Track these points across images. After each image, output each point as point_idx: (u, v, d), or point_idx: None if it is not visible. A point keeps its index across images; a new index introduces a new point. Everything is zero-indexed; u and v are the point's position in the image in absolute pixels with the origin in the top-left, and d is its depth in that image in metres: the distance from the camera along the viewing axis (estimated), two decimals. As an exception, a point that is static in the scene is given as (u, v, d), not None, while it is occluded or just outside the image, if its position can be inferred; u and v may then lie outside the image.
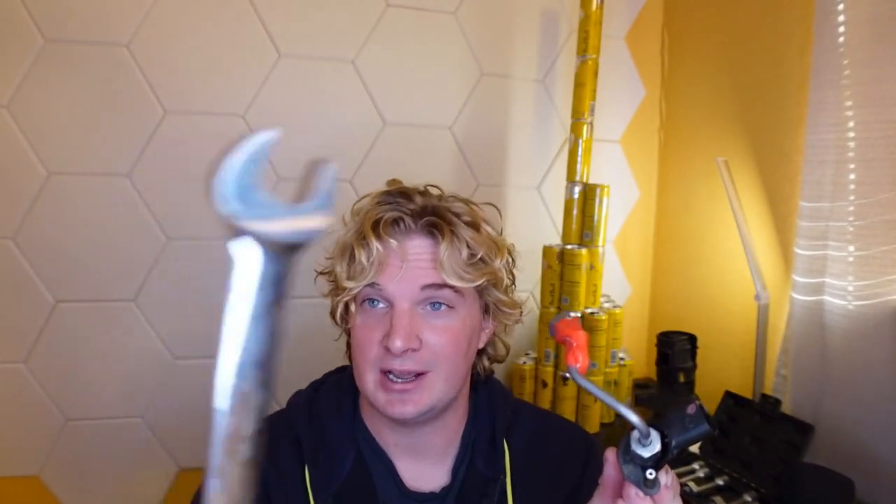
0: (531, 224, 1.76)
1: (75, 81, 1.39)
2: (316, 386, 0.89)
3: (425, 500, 0.82)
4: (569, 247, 1.58)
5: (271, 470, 0.81)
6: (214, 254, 1.50)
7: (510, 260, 0.84)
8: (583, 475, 0.85)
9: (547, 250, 1.60)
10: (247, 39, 1.48)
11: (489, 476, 0.83)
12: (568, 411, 1.55)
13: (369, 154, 1.58)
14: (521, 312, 0.86)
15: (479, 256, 0.78)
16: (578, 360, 0.59)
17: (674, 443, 0.56)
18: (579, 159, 1.60)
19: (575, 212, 1.61)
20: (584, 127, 1.59)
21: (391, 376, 0.76)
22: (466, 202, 0.82)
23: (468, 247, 0.77)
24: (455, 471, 0.83)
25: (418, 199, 0.79)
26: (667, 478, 0.59)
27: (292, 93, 1.52)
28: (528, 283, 1.76)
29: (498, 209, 0.87)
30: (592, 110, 1.59)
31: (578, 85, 1.60)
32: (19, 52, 1.35)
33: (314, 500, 0.79)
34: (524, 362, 1.65)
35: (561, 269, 1.57)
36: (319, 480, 0.80)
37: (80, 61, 1.39)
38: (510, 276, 0.84)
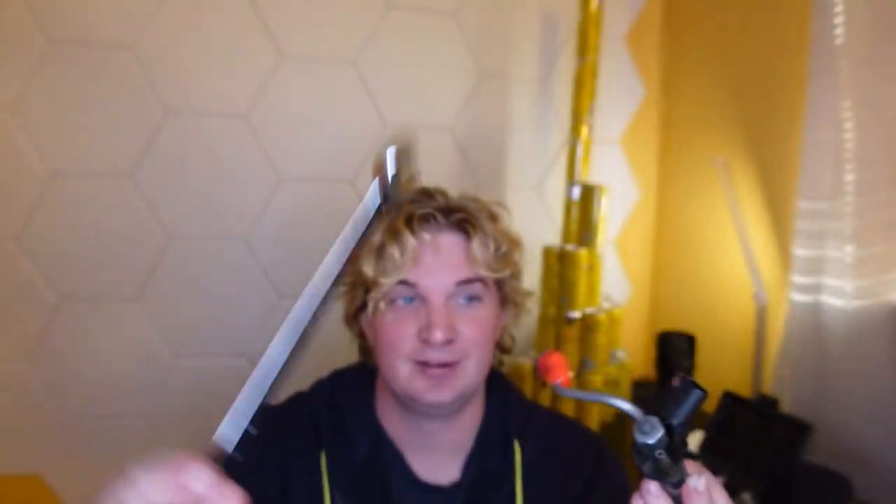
0: (531, 224, 1.77)
1: (78, 82, 1.39)
2: (338, 374, 0.92)
3: (435, 491, 0.84)
4: (568, 247, 1.58)
5: (287, 452, 0.84)
6: (216, 253, 1.51)
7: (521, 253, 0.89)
8: (593, 476, 0.87)
9: (547, 250, 1.60)
10: (248, 41, 1.49)
11: (499, 474, 0.84)
12: (568, 411, 1.55)
13: (370, 155, 1.58)
14: (529, 301, 0.91)
15: (503, 250, 0.82)
16: (559, 377, 0.60)
17: (674, 421, 0.54)
18: (579, 159, 1.61)
19: (574, 212, 1.61)
20: (584, 127, 1.60)
21: (428, 364, 0.79)
22: (478, 200, 0.86)
23: (495, 241, 0.81)
24: (466, 467, 0.85)
25: (440, 198, 0.83)
26: (699, 481, 0.55)
27: (294, 94, 1.53)
28: (527, 284, 1.77)
29: (506, 207, 0.90)
30: (592, 111, 1.60)
31: (578, 85, 1.60)
32: (22, 54, 1.35)
33: (329, 484, 0.81)
34: (524, 362, 1.65)
35: (560, 269, 1.57)
36: (335, 466, 0.82)
37: (83, 62, 1.39)
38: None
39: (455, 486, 0.84)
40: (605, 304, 1.66)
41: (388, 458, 0.84)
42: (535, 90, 1.73)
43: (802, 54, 1.32)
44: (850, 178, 1.20)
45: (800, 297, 1.30)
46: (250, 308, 1.56)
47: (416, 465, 0.84)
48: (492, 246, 0.80)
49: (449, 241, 0.80)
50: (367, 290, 0.81)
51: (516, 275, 0.86)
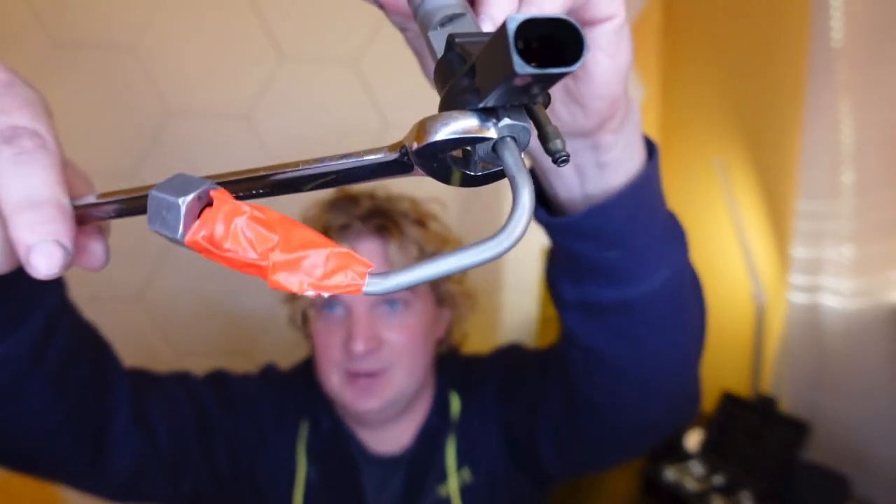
0: (531, 225, 1.77)
1: (81, 84, 1.40)
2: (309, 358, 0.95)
3: (386, 462, 0.86)
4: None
5: (278, 411, 0.86)
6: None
7: None
8: (493, 369, 0.87)
9: (547, 251, 1.61)
10: (249, 42, 1.50)
11: (440, 428, 0.86)
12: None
13: (370, 155, 1.59)
14: (474, 299, 0.91)
15: (427, 253, 0.81)
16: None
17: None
18: (579, 160, 1.61)
19: (574, 212, 1.62)
20: (584, 128, 1.60)
21: (356, 374, 0.80)
22: (413, 200, 0.86)
23: (417, 244, 0.81)
24: (417, 440, 0.87)
25: (366, 203, 0.82)
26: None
27: (295, 94, 1.54)
28: (527, 284, 1.77)
29: (443, 204, 0.90)
30: (592, 112, 1.61)
31: (578, 87, 1.61)
32: (25, 56, 1.36)
33: (306, 453, 0.84)
34: (524, 362, 1.66)
35: (560, 269, 1.57)
36: (313, 436, 0.85)
37: (86, 64, 1.40)
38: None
39: (404, 451, 0.87)
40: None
41: (346, 436, 0.87)
42: (535, 91, 1.74)
43: (801, 56, 1.33)
44: (848, 178, 1.21)
45: (798, 298, 1.31)
46: (251, 308, 1.57)
47: (369, 441, 0.87)
48: (413, 250, 0.80)
49: (368, 249, 0.79)
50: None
51: (449, 276, 0.86)
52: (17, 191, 0.27)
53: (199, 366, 1.54)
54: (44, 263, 0.27)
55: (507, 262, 1.75)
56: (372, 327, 0.78)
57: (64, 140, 1.30)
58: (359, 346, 0.76)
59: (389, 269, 0.79)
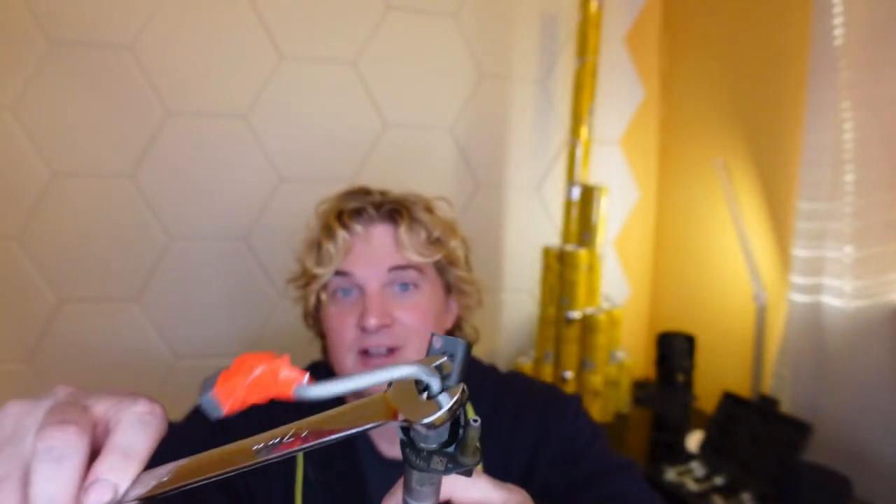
0: (531, 225, 1.77)
1: (78, 83, 1.40)
2: (316, 364, 0.96)
3: (397, 465, 0.85)
4: (568, 248, 1.59)
5: (268, 418, 0.84)
6: (216, 253, 1.51)
7: (465, 245, 0.92)
8: (540, 424, 0.85)
9: (546, 251, 1.61)
10: (248, 41, 1.49)
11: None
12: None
13: (370, 155, 1.59)
14: (480, 291, 0.93)
15: (436, 236, 0.85)
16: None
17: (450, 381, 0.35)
18: (579, 160, 1.61)
19: (574, 213, 1.62)
20: (584, 128, 1.60)
21: (369, 353, 0.82)
22: (419, 195, 0.90)
23: (426, 228, 0.85)
24: None
25: (377, 194, 0.88)
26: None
27: (293, 94, 1.53)
28: (527, 284, 1.77)
29: (448, 202, 0.93)
30: (592, 111, 1.60)
31: (578, 86, 1.60)
32: (23, 54, 1.36)
33: (304, 457, 0.83)
34: (524, 362, 1.66)
35: (560, 269, 1.57)
36: None
37: (84, 63, 1.39)
38: (466, 260, 0.92)
39: None
40: (605, 305, 1.66)
41: (356, 437, 0.86)
42: (535, 90, 1.74)
43: (802, 55, 1.32)
44: (849, 178, 1.20)
45: (799, 298, 1.30)
46: (250, 308, 1.56)
47: (381, 442, 0.87)
48: (422, 233, 0.84)
49: (380, 232, 0.84)
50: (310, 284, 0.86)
51: (454, 261, 0.89)
52: (42, 493, 0.29)
53: (197, 367, 1.54)
54: None
55: (507, 263, 1.74)
56: (384, 304, 0.81)
57: (62, 140, 1.30)
58: (372, 321, 0.78)
59: (401, 248, 0.81)
